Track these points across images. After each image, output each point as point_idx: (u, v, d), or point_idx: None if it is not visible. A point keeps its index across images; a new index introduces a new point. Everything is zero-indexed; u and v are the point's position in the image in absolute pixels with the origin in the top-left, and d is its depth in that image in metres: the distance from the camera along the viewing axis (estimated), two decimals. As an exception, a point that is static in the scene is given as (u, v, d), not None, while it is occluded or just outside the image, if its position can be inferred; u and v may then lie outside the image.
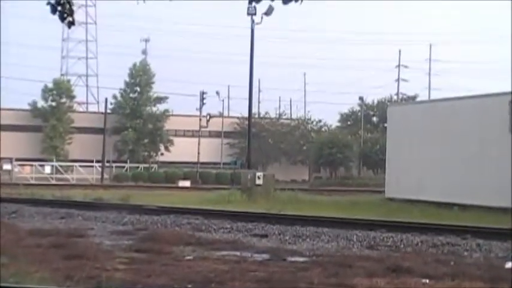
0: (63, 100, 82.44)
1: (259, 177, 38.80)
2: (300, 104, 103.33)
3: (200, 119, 74.62)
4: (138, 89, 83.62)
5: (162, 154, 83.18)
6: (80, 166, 74.36)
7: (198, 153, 72.07)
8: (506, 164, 31.53)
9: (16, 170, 72.07)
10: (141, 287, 11.44)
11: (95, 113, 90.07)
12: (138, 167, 76.99)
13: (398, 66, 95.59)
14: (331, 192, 53.03)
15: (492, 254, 16.95)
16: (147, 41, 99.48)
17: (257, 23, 43.26)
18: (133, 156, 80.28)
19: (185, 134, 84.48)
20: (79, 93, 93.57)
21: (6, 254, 13.79)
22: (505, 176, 31.39)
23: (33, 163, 73.82)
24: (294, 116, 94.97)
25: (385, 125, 48.33)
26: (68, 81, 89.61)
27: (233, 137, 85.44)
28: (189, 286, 11.66)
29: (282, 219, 24.27)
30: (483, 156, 33.66)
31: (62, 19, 10.64)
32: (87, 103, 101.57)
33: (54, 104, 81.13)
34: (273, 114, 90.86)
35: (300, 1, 7.77)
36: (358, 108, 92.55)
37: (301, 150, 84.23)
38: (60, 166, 74.97)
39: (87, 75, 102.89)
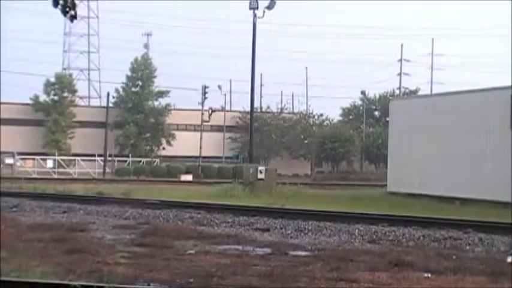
0: (65, 94, 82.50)
1: (261, 172, 38.80)
2: (302, 98, 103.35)
3: (202, 113, 74.60)
4: (139, 83, 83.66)
5: (164, 148, 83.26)
6: (82, 160, 74.44)
7: (200, 147, 72.08)
8: (508, 158, 31.52)
9: (18, 164, 72.16)
10: (143, 281, 11.43)
11: (96, 107, 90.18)
12: (140, 161, 77.03)
13: (401, 60, 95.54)
14: (333, 186, 53.07)
15: (494, 248, 16.95)
16: (149, 35, 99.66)
17: (259, 17, 43.24)
18: (135, 151, 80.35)
19: (187, 128, 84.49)
20: (81, 87, 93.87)
21: (8, 248, 13.79)
22: (506, 170, 31.38)
23: (35, 157, 73.87)
24: (295, 110, 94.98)
25: (387, 119, 48.36)
26: (70, 75, 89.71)
27: (235, 131, 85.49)
28: (191, 280, 11.65)
29: (284, 213, 24.26)
30: (485, 150, 33.64)
31: (64, 13, 10.62)
32: (89, 97, 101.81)
33: (56, 98, 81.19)
34: (274, 109, 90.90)
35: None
36: (360, 102, 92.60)
37: (303, 144, 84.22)
38: (62, 160, 75.05)
39: (89, 69, 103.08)
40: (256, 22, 43.31)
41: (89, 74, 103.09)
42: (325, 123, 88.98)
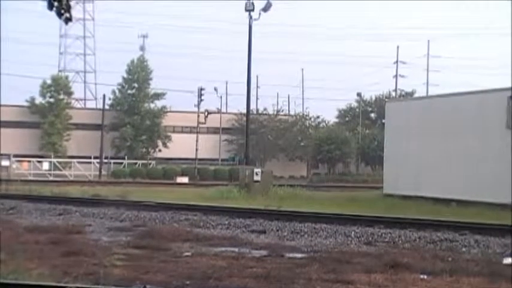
0: (61, 96, 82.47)
1: (257, 174, 38.83)
2: (298, 100, 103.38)
3: (198, 115, 74.64)
4: (136, 85, 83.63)
5: (160, 150, 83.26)
6: (78, 162, 74.39)
7: (196, 149, 72.10)
8: (505, 160, 31.56)
9: (14, 166, 72.07)
10: (139, 283, 11.43)
11: (92, 109, 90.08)
12: (136, 163, 76.98)
13: (397, 62, 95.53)
14: (330, 188, 53.06)
15: (490, 250, 16.97)
16: (145, 37, 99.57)
17: (255, 19, 43.28)
18: (131, 153, 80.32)
19: (183, 130, 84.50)
20: (77, 89, 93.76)
21: (4, 250, 13.79)
22: (503, 172, 31.41)
23: (31, 159, 73.81)
24: (292, 112, 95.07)
25: (383, 121, 48.35)
26: (66, 77, 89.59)
27: (231, 133, 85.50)
28: (188, 282, 11.66)
29: (280, 215, 24.26)
30: (481, 152, 33.67)
31: (59, 15, 10.61)
32: (85, 99, 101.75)
33: (52, 100, 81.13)
34: (271, 111, 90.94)
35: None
36: (356, 104, 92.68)
37: (299, 146, 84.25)
38: (58, 162, 75.01)
39: (85, 72, 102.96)
40: (252, 24, 43.36)
41: (84, 76, 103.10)
42: (321, 125, 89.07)
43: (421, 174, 37.24)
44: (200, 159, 73.38)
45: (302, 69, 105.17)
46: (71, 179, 66.84)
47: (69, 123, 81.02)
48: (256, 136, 78.12)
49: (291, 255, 15.42)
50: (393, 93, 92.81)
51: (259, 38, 75.14)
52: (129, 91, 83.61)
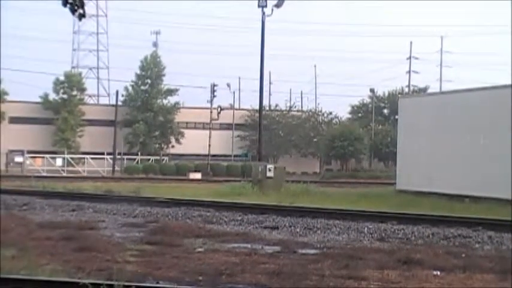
0: (75, 93, 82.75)
1: (270, 170, 38.75)
2: (311, 96, 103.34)
3: (211, 112, 74.67)
4: (149, 81, 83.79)
5: (173, 146, 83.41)
6: (91, 158, 74.64)
7: (209, 145, 72.17)
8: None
9: (27, 162, 72.41)
10: (152, 279, 11.45)
11: (105, 105, 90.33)
12: (149, 160, 77.18)
13: (410, 58, 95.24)
14: (342, 184, 53.01)
15: (504, 246, 16.90)
16: (157, 33, 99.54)
17: (268, 15, 43.22)
18: (144, 149, 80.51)
19: (196, 126, 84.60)
20: (90, 85, 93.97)
21: (17, 246, 13.85)
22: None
23: (45, 155, 74.14)
24: (304, 108, 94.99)
25: (396, 117, 48.24)
26: (79, 73, 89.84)
27: (244, 130, 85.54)
28: (200, 278, 11.67)
29: (292, 211, 24.24)
30: (494, 147, 33.50)
31: (73, 12, 10.66)
32: (98, 95, 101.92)
33: (65, 96, 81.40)
34: (283, 107, 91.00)
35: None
36: (369, 100, 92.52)
37: (312, 142, 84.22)
38: (72, 158, 75.31)
39: (98, 68, 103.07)
40: (265, 20, 43.32)
41: (98, 72, 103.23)
42: (334, 121, 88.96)
43: (435, 170, 37.08)
44: (213, 155, 73.46)
45: (315, 65, 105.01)
46: (84, 175, 67.08)
47: (82, 120, 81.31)
48: (268, 132, 78.12)
49: (303, 251, 15.40)
50: (406, 89, 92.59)
51: (272, 34, 75.03)
52: (142, 87, 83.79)
